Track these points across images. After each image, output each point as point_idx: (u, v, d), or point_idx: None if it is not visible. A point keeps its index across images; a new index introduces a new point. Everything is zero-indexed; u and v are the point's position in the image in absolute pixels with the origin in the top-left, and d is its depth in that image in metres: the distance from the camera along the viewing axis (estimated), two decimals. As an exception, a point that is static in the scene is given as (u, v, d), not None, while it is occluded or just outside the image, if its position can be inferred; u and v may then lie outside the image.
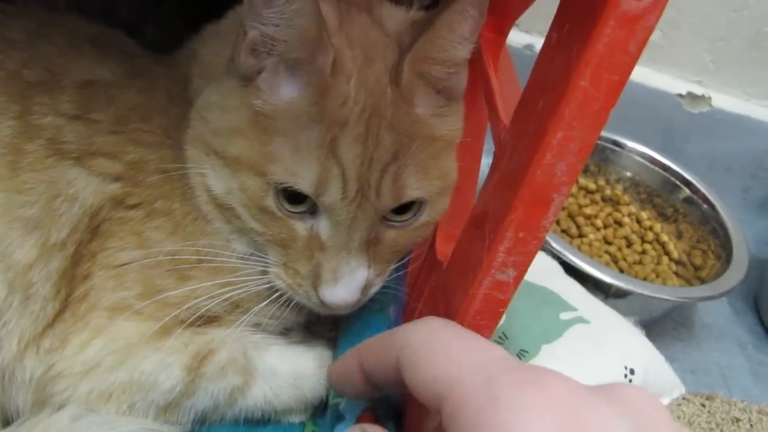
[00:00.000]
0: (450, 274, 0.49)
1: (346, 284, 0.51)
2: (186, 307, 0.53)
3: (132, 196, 0.55)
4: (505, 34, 0.57)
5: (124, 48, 0.62)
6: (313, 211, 0.50)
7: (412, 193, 0.51)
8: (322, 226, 0.51)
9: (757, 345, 1.12)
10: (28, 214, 0.52)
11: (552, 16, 0.35)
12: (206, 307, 0.53)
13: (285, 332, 0.61)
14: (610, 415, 0.33)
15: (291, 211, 0.50)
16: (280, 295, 0.55)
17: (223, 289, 0.53)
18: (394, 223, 0.53)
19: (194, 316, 0.53)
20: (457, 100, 0.54)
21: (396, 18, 0.54)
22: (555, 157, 0.35)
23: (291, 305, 0.55)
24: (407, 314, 0.64)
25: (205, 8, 0.61)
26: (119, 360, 0.52)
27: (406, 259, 0.60)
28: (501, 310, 0.43)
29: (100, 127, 0.55)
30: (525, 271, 0.40)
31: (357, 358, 0.46)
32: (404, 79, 0.49)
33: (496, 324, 0.44)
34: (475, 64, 0.55)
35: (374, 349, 0.45)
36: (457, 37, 0.49)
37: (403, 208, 0.52)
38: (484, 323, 0.43)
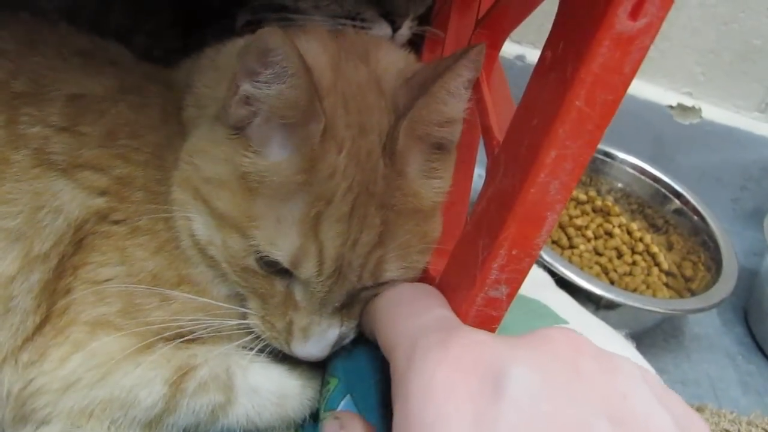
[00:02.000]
0: (442, 290, 0.48)
1: (315, 342, 0.52)
2: (166, 327, 0.52)
3: (117, 211, 0.54)
4: (498, 48, 0.57)
5: (116, 59, 0.61)
6: (291, 272, 0.50)
7: (390, 275, 0.51)
8: (297, 290, 0.51)
9: (746, 356, 1.12)
10: (11, 225, 0.51)
11: (544, 28, 0.35)
12: (188, 329, 0.53)
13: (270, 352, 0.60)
14: (519, 358, 0.34)
15: (271, 270, 0.50)
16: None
17: (205, 318, 0.53)
18: (369, 285, 0.52)
19: (176, 334, 0.53)
20: (450, 151, 0.54)
21: (392, 70, 0.54)
22: (549, 176, 0.35)
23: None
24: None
25: (199, 20, 0.61)
26: (99, 376, 0.51)
27: None
28: (494, 326, 0.42)
29: (88, 140, 0.54)
30: (518, 288, 0.40)
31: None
32: (399, 146, 0.48)
33: (489, 340, 0.44)
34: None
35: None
36: (453, 98, 0.49)
37: None
38: (477, 339, 0.43)
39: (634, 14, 0.30)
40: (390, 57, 0.56)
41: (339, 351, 0.57)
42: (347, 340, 0.55)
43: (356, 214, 0.48)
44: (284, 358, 0.58)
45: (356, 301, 0.53)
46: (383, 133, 0.49)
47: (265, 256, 0.49)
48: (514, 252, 0.38)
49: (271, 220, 0.48)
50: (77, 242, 0.53)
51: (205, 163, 0.51)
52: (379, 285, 0.52)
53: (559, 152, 0.34)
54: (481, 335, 0.38)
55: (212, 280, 0.55)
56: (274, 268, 0.50)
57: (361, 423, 0.46)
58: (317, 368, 0.60)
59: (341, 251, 0.48)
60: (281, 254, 0.48)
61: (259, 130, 0.49)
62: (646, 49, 0.31)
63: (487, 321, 0.42)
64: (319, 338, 0.52)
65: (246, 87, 0.47)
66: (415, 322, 0.42)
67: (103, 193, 0.54)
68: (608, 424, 0.32)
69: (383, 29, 0.65)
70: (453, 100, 0.49)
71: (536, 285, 0.84)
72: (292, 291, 0.51)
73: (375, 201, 0.48)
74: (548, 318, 0.75)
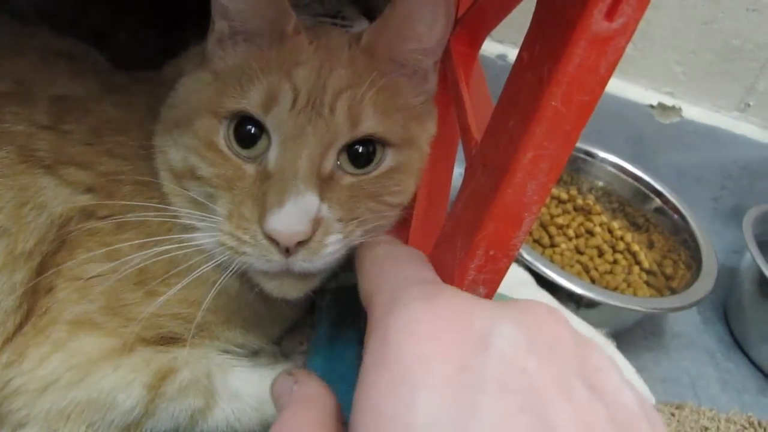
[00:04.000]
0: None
1: (292, 208, 0.46)
2: (150, 323, 0.52)
3: (103, 207, 0.53)
4: (478, 47, 0.57)
5: (96, 64, 0.62)
6: (263, 149, 0.50)
7: (369, 124, 0.50)
8: (271, 154, 0.49)
9: (725, 354, 1.13)
10: None
11: (525, 28, 0.35)
12: (169, 328, 0.52)
13: (253, 355, 0.60)
14: (506, 317, 0.34)
15: (240, 154, 0.50)
16: (240, 308, 0.55)
17: (187, 307, 0.52)
18: (353, 172, 0.51)
19: (157, 334, 0.52)
20: (428, 97, 0.56)
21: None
22: (526, 177, 0.35)
23: (253, 317, 0.55)
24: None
25: (179, 18, 0.61)
26: (78, 377, 0.50)
27: None
28: (472, 327, 0.42)
29: (73, 138, 0.54)
30: (496, 288, 0.40)
31: None
32: (364, 41, 0.52)
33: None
34: (447, 77, 0.55)
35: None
36: (417, 14, 0.51)
37: (364, 160, 0.52)
38: (455, 340, 0.42)
39: (610, 15, 0.29)
40: None
41: (318, 348, 0.57)
42: (333, 239, 0.49)
43: (324, 67, 0.51)
44: (270, 359, 0.57)
45: (337, 181, 0.50)
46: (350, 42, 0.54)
47: (239, 111, 0.50)
48: (491, 252, 0.38)
49: (241, 84, 0.50)
50: (61, 241, 0.53)
51: (181, 96, 0.54)
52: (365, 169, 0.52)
53: (536, 153, 0.34)
54: (467, 295, 0.37)
55: (195, 229, 0.53)
56: (245, 150, 0.50)
57: (318, 381, 0.44)
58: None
59: (314, 89, 0.49)
60: (252, 102, 0.49)
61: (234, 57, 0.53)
62: (623, 49, 0.31)
63: (466, 321, 0.42)
64: (296, 202, 0.46)
65: (221, 23, 0.51)
66: (402, 271, 0.41)
67: (88, 189, 0.53)
68: (585, 389, 0.32)
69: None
70: (417, 16, 0.51)
71: (517, 284, 0.85)
72: (264, 164, 0.49)
73: (341, 63, 0.52)
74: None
